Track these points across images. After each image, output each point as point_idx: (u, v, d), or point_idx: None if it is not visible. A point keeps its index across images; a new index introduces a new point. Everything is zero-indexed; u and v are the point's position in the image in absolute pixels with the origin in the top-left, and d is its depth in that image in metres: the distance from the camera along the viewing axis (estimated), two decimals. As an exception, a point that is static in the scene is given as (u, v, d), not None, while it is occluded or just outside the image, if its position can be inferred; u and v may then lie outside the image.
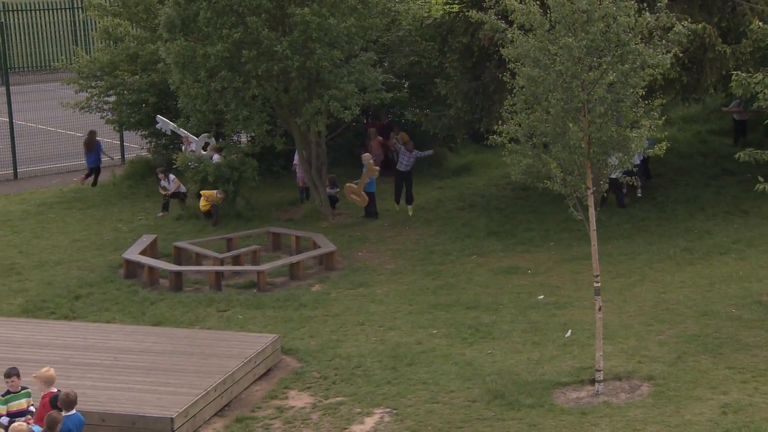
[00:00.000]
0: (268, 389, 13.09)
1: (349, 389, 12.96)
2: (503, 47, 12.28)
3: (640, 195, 20.01)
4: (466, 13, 13.86)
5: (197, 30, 18.31)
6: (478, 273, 17.10)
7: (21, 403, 10.87)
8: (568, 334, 14.18)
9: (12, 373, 10.86)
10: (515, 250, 18.20)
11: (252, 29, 17.62)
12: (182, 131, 20.84)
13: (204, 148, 20.87)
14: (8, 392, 10.81)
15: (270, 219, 20.25)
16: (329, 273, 17.35)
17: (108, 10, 22.61)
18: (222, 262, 17.14)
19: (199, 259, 17.56)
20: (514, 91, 12.16)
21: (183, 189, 20.66)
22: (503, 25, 12.18)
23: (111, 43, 22.55)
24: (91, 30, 33.40)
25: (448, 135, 22.43)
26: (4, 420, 10.58)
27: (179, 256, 17.74)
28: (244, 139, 23.21)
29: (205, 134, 20.87)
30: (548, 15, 11.77)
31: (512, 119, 12.32)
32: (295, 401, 12.73)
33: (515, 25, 12.10)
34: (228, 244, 18.26)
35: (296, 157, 21.00)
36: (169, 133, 21.55)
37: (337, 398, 12.72)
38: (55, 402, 10.34)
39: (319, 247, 17.74)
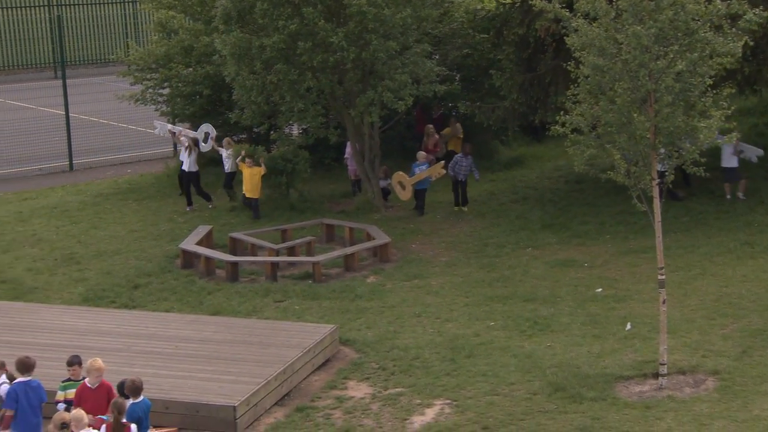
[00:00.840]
0: (327, 379, 13.06)
1: (408, 380, 12.89)
2: (567, 37, 12.09)
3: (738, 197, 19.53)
4: (530, 2, 13.65)
5: (253, 22, 18.33)
6: (533, 266, 16.93)
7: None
8: (629, 327, 13.98)
9: (74, 362, 10.93)
10: (570, 243, 17.99)
11: (308, 20, 17.59)
12: (178, 128, 21.01)
13: (204, 141, 20.86)
14: (69, 380, 10.88)
15: (322, 211, 20.23)
16: (384, 265, 17.28)
17: (163, 3, 22.71)
18: (277, 253, 17.15)
19: (254, 249, 17.58)
20: (578, 80, 11.96)
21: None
22: (568, 14, 11.99)
23: (165, 35, 22.63)
24: (144, 23, 33.72)
25: (500, 128, 22.27)
26: (61, 406, 10.65)
27: (234, 246, 17.79)
28: (295, 131, 23.23)
29: (205, 125, 20.93)
30: (614, 3, 11.58)
31: (575, 109, 12.14)
32: (355, 392, 12.69)
33: (579, 14, 11.93)
34: (282, 235, 18.28)
35: (348, 149, 20.95)
36: (167, 135, 21.66)
37: (397, 389, 12.65)
38: (121, 389, 10.39)
39: (374, 239, 17.69)
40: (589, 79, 11.68)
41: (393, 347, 13.84)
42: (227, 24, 18.33)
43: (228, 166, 20.60)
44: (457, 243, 18.34)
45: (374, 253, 17.61)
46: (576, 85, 12.11)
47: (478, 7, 21.55)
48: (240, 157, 19.87)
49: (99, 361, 10.61)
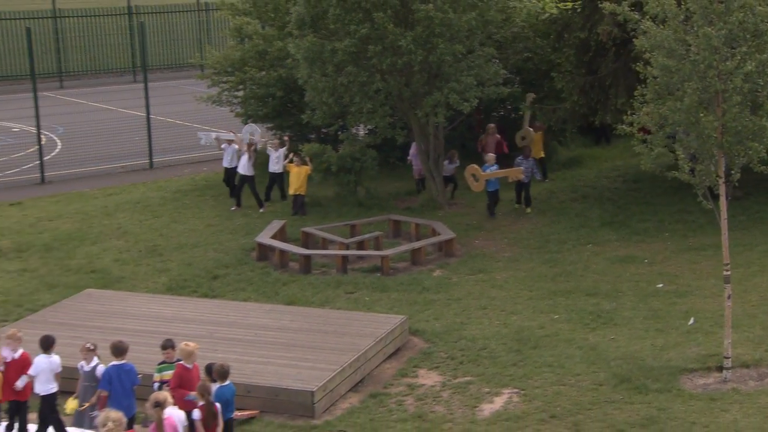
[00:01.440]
0: (398, 367, 12.98)
1: (476, 370, 12.76)
2: (635, 39, 11.86)
3: None
4: (599, 5, 13.42)
5: (325, 27, 18.33)
6: (595, 261, 16.67)
7: (171, 374, 11.00)
8: (691, 321, 13.67)
9: (168, 345, 11.01)
10: (630, 240, 17.70)
11: (378, 25, 17.54)
12: (224, 134, 20.99)
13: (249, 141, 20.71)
14: (164, 362, 10.97)
15: (388, 207, 20.15)
16: (449, 259, 17.16)
17: (239, 10, 22.86)
18: (347, 247, 17.13)
19: (325, 243, 17.58)
20: (646, 81, 11.72)
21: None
22: (637, 17, 11.76)
23: (241, 40, 22.75)
24: (219, 29, 33.97)
25: (559, 129, 22.01)
26: (156, 386, 10.73)
27: (307, 240, 17.80)
28: (361, 131, 23.19)
29: (249, 125, 20.92)
30: (683, 6, 11.32)
31: (642, 109, 11.91)
32: (425, 380, 12.59)
33: (647, 17, 11.69)
34: (351, 230, 18.25)
35: (413, 149, 20.86)
36: (212, 143, 21.63)
37: (466, 378, 12.53)
38: (209, 372, 10.44)
39: (439, 234, 17.57)
40: (657, 79, 11.43)
41: (460, 338, 13.72)
42: (301, 29, 18.36)
43: (278, 167, 20.49)
44: (519, 239, 18.14)
45: (439, 248, 17.49)
46: (643, 85, 11.86)
47: (540, 10, 21.22)
48: (288, 158, 19.97)
49: (193, 345, 10.68)
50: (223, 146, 21.13)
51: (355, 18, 17.66)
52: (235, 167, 20.43)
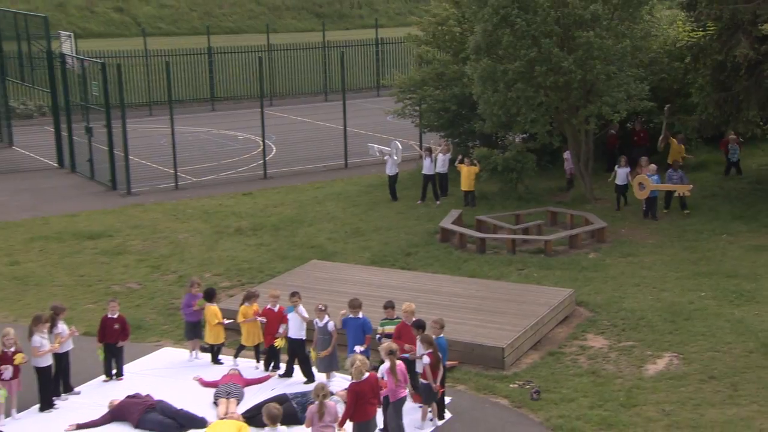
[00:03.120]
0: (569, 332, 12.78)
1: (637, 336, 12.40)
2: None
3: None
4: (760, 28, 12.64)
5: (498, 52, 18.16)
6: (730, 249, 15.86)
7: (391, 328, 11.17)
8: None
9: (389, 306, 11.21)
10: (761, 232, 16.75)
11: (544, 49, 17.25)
12: (384, 148, 20.82)
13: (396, 155, 20.28)
14: (386, 319, 11.17)
15: (544, 201, 19.79)
16: (600, 244, 16.70)
17: (422, 40, 22.98)
18: (515, 232, 16.96)
19: (496, 229, 17.46)
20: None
21: None
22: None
23: (422, 65, 22.84)
24: (392, 58, 34.32)
25: (689, 138, 21.02)
26: (378, 338, 10.93)
27: (480, 226, 17.74)
28: (518, 138, 22.85)
29: (394, 142, 20.71)
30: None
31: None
32: (593, 342, 12.34)
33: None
34: (516, 219, 18.06)
35: (567, 152, 20.42)
36: (377, 154, 21.48)
37: (629, 342, 12.20)
38: (421, 327, 10.45)
39: (592, 224, 17.14)
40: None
41: (620, 309, 13.36)
42: (477, 54, 18.26)
43: (444, 168, 20.32)
44: (660, 230, 17.45)
45: (592, 234, 17.04)
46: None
47: (678, 36, 20.27)
48: (458, 159, 19.92)
49: (412, 305, 10.83)
50: (385, 158, 20.86)
51: (524, 44, 17.42)
52: (396, 174, 20.42)
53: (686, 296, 13.67)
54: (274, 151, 26.52)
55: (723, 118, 18.62)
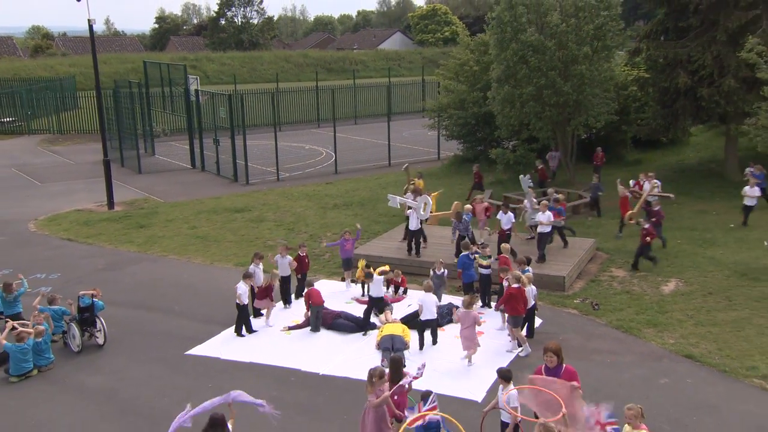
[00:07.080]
0: (597, 267, 12.94)
1: (645, 267, 12.56)
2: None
3: None
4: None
5: (514, 80, 18.30)
6: (684, 212, 16.00)
7: (484, 261, 10.96)
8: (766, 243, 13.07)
9: (484, 245, 11.08)
10: (700, 201, 16.94)
11: (550, 78, 17.46)
12: (408, 201, 13.17)
13: (424, 210, 12.88)
14: (477, 253, 10.87)
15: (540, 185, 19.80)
16: (592, 211, 16.76)
17: (447, 76, 23.07)
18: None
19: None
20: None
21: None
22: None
23: (447, 93, 22.85)
24: (430, 89, 33.79)
25: (639, 138, 21.03)
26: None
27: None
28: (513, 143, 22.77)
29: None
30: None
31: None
32: (618, 273, 12.55)
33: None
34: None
35: (551, 152, 20.27)
36: (399, 206, 13.57)
37: (642, 273, 12.42)
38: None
39: (585, 198, 17.27)
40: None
41: (627, 252, 13.43)
42: (499, 83, 18.40)
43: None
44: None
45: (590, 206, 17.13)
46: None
47: (622, 74, 20.44)
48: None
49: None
50: (408, 212, 13.06)
51: (536, 75, 17.60)
52: (419, 229, 12.87)
53: (668, 243, 13.93)
54: (334, 156, 26.27)
55: (665, 126, 19.04)
